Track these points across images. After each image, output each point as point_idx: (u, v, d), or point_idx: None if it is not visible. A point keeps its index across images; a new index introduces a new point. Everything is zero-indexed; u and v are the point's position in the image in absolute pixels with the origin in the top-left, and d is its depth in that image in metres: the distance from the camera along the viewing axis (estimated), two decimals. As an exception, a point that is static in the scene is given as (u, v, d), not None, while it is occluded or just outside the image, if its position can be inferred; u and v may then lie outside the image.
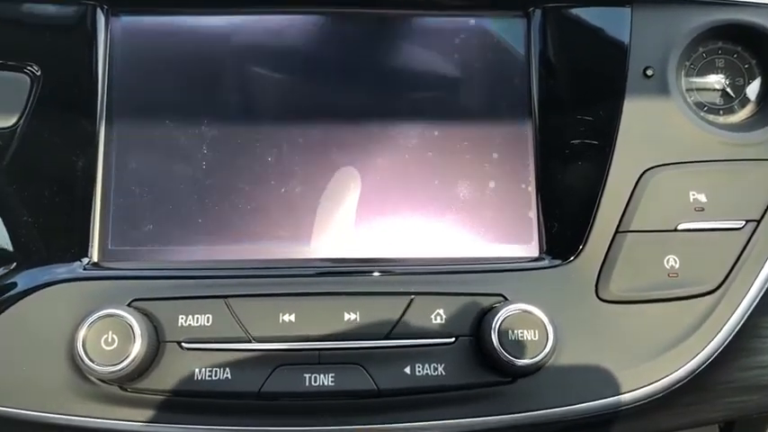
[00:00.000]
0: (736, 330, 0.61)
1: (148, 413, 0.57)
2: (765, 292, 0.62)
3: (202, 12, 0.67)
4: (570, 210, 0.63)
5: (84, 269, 0.61)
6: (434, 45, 0.68)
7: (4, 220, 0.62)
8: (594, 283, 0.61)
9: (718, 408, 0.63)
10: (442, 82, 0.67)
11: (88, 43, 0.65)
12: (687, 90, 0.68)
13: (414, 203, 0.65)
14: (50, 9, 0.64)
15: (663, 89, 0.65)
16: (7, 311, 0.59)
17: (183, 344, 0.57)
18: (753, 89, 0.70)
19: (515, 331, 0.56)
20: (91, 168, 0.63)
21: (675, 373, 0.60)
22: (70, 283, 0.60)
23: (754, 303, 0.62)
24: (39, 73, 0.63)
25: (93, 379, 0.57)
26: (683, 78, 0.68)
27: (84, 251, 0.62)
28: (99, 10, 0.65)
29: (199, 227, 0.63)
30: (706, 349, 0.60)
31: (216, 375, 0.56)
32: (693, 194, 0.63)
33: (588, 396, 0.59)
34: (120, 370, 0.54)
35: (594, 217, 0.62)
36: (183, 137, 0.64)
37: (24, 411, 0.58)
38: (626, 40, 0.66)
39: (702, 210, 0.62)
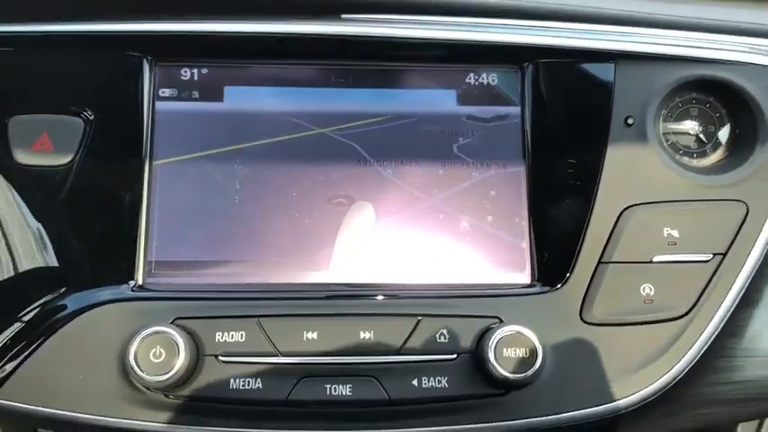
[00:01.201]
0: (704, 351, 0.69)
1: (189, 417, 0.65)
2: (729, 318, 0.70)
3: (236, 63, 0.75)
4: (559, 242, 0.72)
5: (132, 290, 0.69)
6: (439, 96, 0.76)
7: (58, 247, 0.70)
8: (579, 308, 0.69)
9: (688, 419, 0.71)
10: (446, 128, 0.75)
11: (135, 91, 0.73)
12: (665, 134, 0.76)
13: (420, 235, 0.73)
14: (102, 60, 0.72)
15: (642, 136, 0.73)
16: (63, 329, 0.67)
17: (220, 357, 0.65)
18: (723, 134, 0.78)
19: (509, 349, 0.64)
20: (136, 201, 0.71)
21: (650, 387, 0.67)
22: (120, 303, 0.68)
23: (720, 327, 0.69)
24: (91, 117, 0.71)
25: (141, 387, 0.65)
26: (660, 124, 0.76)
27: (131, 275, 0.70)
28: (144, 60, 0.74)
29: (232, 253, 0.71)
30: (676, 367, 0.68)
31: (248, 385, 0.64)
32: (667, 230, 0.71)
33: (572, 407, 0.66)
34: (166, 380, 0.63)
35: (580, 249, 0.70)
36: (218, 175, 0.73)
37: (81, 415, 0.65)
38: (609, 92, 0.73)
39: (675, 244, 0.70)
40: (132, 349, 0.63)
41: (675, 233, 0.70)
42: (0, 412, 0.67)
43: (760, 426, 0.76)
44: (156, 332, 0.63)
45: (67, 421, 0.66)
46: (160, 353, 0.63)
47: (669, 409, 0.69)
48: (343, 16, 0.73)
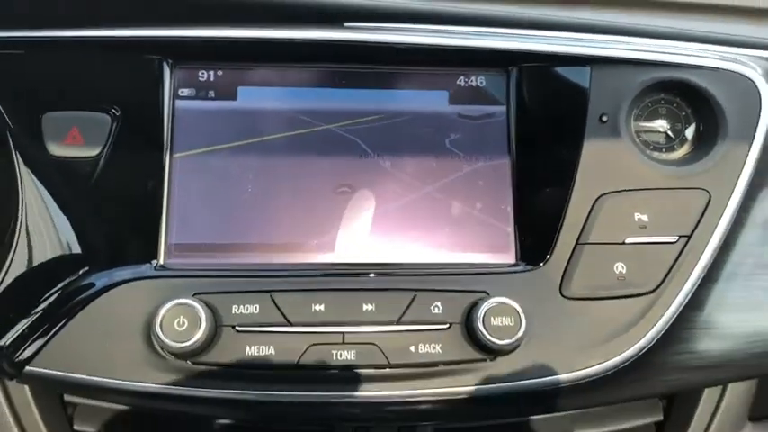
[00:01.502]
0: (670, 323, 0.76)
1: (209, 381, 0.72)
2: (694, 293, 0.77)
3: (248, 66, 0.83)
4: (540, 226, 0.79)
5: (155, 270, 0.76)
6: (433, 97, 0.84)
7: (86, 231, 0.77)
8: (559, 284, 0.76)
9: (657, 384, 0.78)
10: (439, 125, 0.83)
11: (157, 90, 0.80)
12: (636, 132, 0.84)
13: (416, 220, 0.80)
14: (127, 63, 0.79)
15: (615, 132, 0.81)
16: (91, 304, 0.74)
17: (236, 327, 0.72)
18: (689, 132, 0.86)
19: (496, 318, 0.72)
20: (158, 190, 0.78)
21: (622, 355, 0.75)
22: (144, 281, 0.75)
23: (685, 302, 0.77)
24: (118, 114, 0.79)
25: (164, 355, 0.72)
26: (632, 123, 0.84)
27: (154, 256, 0.77)
28: (165, 64, 0.81)
29: (245, 237, 0.79)
30: (646, 337, 0.75)
31: (262, 351, 0.71)
32: (638, 215, 0.79)
33: (552, 372, 0.74)
34: (188, 346, 0.70)
35: (559, 232, 0.78)
36: (232, 166, 0.80)
37: (110, 380, 0.72)
38: (586, 92, 0.81)
39: (645, 227, 0.78)
40: (158, 319, 0.69)
41: (645, 218, 0.78)
42: (34, 380, 0.74)
43: (723, 391, 0.83)
44: (180, 304, 0.70)
45: (97, 386, 0.72)
46: (183, 322, 0.70)
47: (640, 374, 0.77)
48: (346, 24, 0.80)
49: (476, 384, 0.73)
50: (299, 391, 0.72)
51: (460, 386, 0.73)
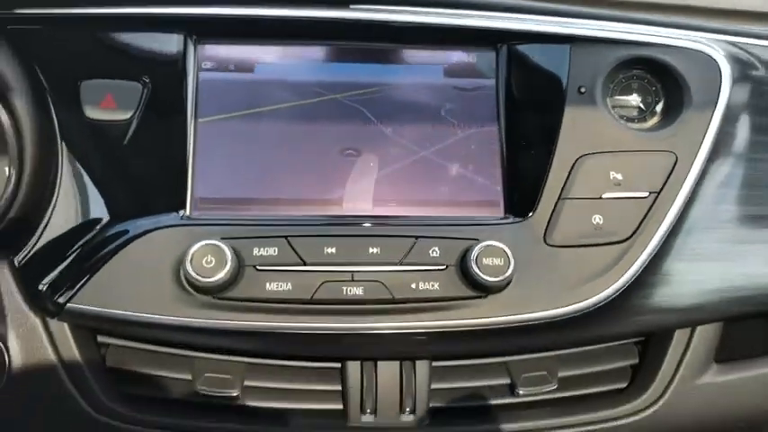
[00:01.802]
0: (643, 268, 0.85)
1: (231, 314, 0.80)
2: (663, 243, 0.86)
3: (264, 42, 0.93)
4: (526, 184, 0.88)
5: (182, 219, 0.85)
6: (430, 70, 0.94)
7: (118, 185, 0.85)
8: (543, 234, 0.85)
9: (632, 323, 0.87)
10: (435, 96, 0.93)
11: (182, 62, 0.89)
12: (612, 105, 0.93)
13: (415, 179, 0.89)
14: (156, 37, 0.88)
15: (592, 102, 0.90)
16: (125, 248, 0.82)
17: (257, 267, 0.80)
18: (658, 105, 0.95)
19: (487, 259, 0.80)
20: (183, 151, 0.86)
21: (600, 295, 0.83)
22: (173, 228, 0.83)
23: (656, 250, 0.86)
24: (148, 82, 0.87)
25: (191, 291, 0.80)
26: (608, 96, 0.94)
27: (182, 206, 0.85)
28: (189, 39, 0.90)
29: (263, 193, 0.87)
30: (621, 279, 0.84)
31: (280, 287, 0.80)
32: (613, 174, 0.88)
33: (538, 308, 0.82)
34: (214, 282, 0.78)
35: (543, 189, 0.86)
36: (250, 131, 0.89)
37: (141, 314, 0.81)
38: (566, 67, 0.90)
39: (619, 184, 0.87)
40: (188, 257, 0.78)
41: (619, 176, 0.88)
42: (73, 317, 0.82)
43: (691, 336, 0.92)
44: (208, 244, 0.79)
45: (130, 321, 0.81)
46: (210, 260, 0.78)
47: (616, 314, 0.86)
48: (352, 6, 0.90)
49: (469, 318, 0.82)
50: (312, 323, 0.81)
51: (456, 319, 0.82)
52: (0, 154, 0.84)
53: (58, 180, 0.85)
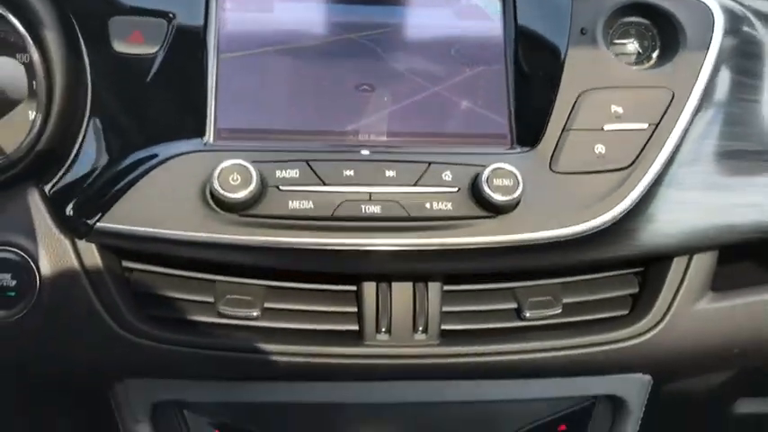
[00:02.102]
0: (643, 194, 0.89)
1: (255, 230, 0.84)
2: (662, 172, 0.91)
3: None
4: (532, 118, 0.93)
5: (205, 145, 0.89)
6: (440, 13, 0.99)
7: (146, 117, 0.89)
8: (549, 162, 0.90)
9: (632, 247, 0.91)
10: (445, 36, 0.98)
11: (206, 1, 0.93)
12: (612, 48, 0.99)
13: (426, 114, 0.93)
14: None
15: (594, 42, 0.95)
16: (152, 171, 0.85)
17: (280, 187, 0.84)
18: (655, 52, 1.00)
19: (498, 179, 0.85)
20: (206, 83, 0.90)
21: (603, 218, 0.87)
22: (199, 153, 0.87)
23: (655, 177, 0.90)
24: (173, 18, 0.92)
25: (217, 209, 0.84)
26: (608, 40, 0.99)
27: (202, 134, 0.89)
28: None
29: (283, 124, 0.92)
30: (622, 204, 0.88)
31: (302, 205, 0.83)
32: (614, 107, 0.92)
33: (544, 228, 0.87)
34: (239, 198, 0.81)
35: (548, 121, 0.91)
36: (270, 66, 0.93)
37: (169, 231, 0.84)
38: (569, 10, 0.96)
39: (620, 117, 0.92)
40: (216, 174, 0.82)
41: (620, 109, 0.92)
42: (103, 235, 0.86)
43: (688, 265, 0.97)
44: (235, 164, 0.82)
45: (157, 238, 0.84)
46: (237, 178, 0.82)
47: (618, 237, 0.90)
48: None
49: (480, 236, 0.86)
50: (333, 239, 0.85)
51: (467, 237, 0.86)
52: (29, 93, 0.88)
53: (87, 112, 0.89)
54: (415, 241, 0.86)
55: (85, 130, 0.89)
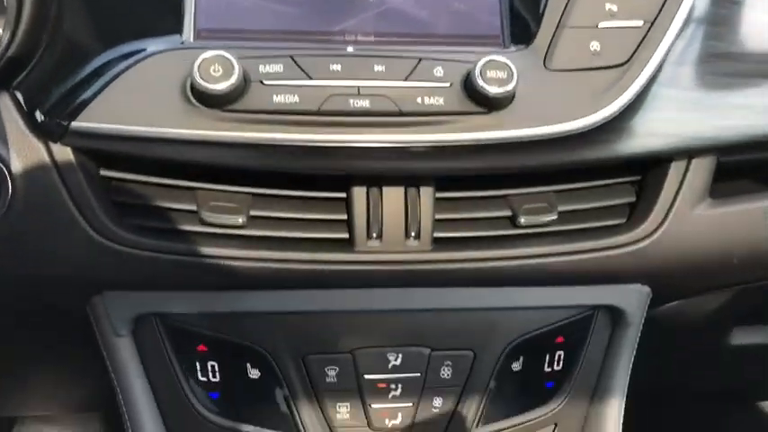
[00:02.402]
0: (637, 93, 0.86)
1: (238, 125, 0.79)
2: (659, 70, 0.88)
3: None
4: (525, 17, 0.90)
5: (182, 43, 0.85)
6: None
7: (121, 13, 0.85)
8: (543, 59, 0.87)
9: (627, 147, 0.88)
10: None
11: None
12: None
13: (418, 15, 0.90)
14: None
15: None
16: (131, 69, 0.80)
17: (263, 81, 0.80)
18: None
19: (491, 71, 0.81)
20: None
21: (599, 114, 0.84)
22: (179, 50, 0.83)
23: (650, 76, 0.87)
24: None
25: (198, 104, 0.79)
26: None
27: (184, 35, 0.86)
28: None
29: (265, 24, 0.87)
30: (618, 101, 0.84)
31: (288, 99, 0.79)
32: (608, 5, 0.88)
33: (539, 124, 0.84)
34: (222, 90, 0.76)
35: (541, 19, 0.88)
36: None
37: (150, 128, 0.80)
38: None
39: (614, 15, 0.89)
40: (196, 65, 0.77)
41: (614, 7, 0.89)
42: (79, 135, 0.81)
43: (687, 167, 0.95)
44: (215, 55, 0.78)
45: (138, 136, 0.80)
46: (218, 69, 0.77)
47: (612, 136, 0.87)
48: None
49: (473, 132, 0.83)
50: (320, 135, 0.81)
51: (461, 132, 0.83)
52: None
53: (58, 12, 0.84)
54: (407, 137, 0.82)
55: (56, 32, 0.84)
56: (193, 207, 0.88)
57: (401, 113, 0.82)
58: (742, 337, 1.33)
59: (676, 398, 1.65)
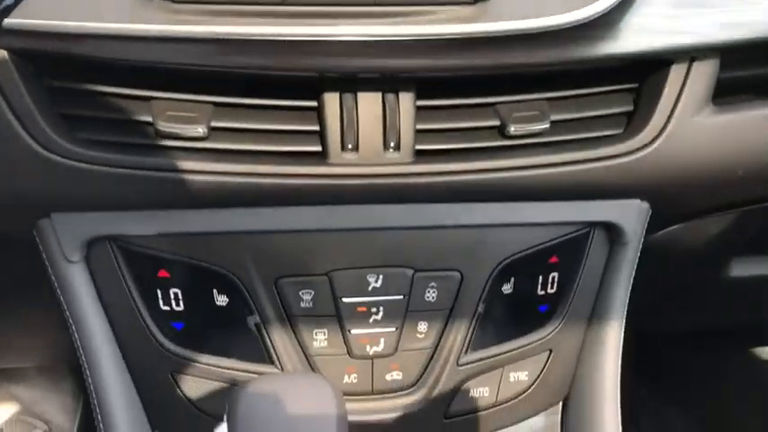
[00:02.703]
0: None
1: (194, 18, 0.71)
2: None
3: None
4: None
5: None
6: None
7: None
8: None
9: (622, 44, 0.80)
10: None
11: None
12: None
13: None
14: None
15: None
16: None
17: None
18: None
19: (474, -46, 0.74)
20: None
21: (590, 7, 0.75)
22: None
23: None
24: None
25: None
26: None
27: None
28: None
29: None
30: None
31: None
32: None
33: (528, 17, 0.76)
34: None
35: None
36: None
37: (100, 25, 0.71)
38: None
39: None
40: None
41: None
42: (19, 36, 0.72)
43: (689, 67, 0.87)
44: None
45: (87, 34, 0.72)
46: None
47: (606, 32, 0.79)
48: None
49: (457, 23, 0.75)
50: (285, 28, 0.73)
51: (443, 24, 0.75)
52: None
53: None
54: (384, 30, 0.74)
55: None
56: (149, 118, 0.80)
57: (376, 3, 0.74)
58: (743, 269, 1.27)
59: (674, 338, 1.60)
